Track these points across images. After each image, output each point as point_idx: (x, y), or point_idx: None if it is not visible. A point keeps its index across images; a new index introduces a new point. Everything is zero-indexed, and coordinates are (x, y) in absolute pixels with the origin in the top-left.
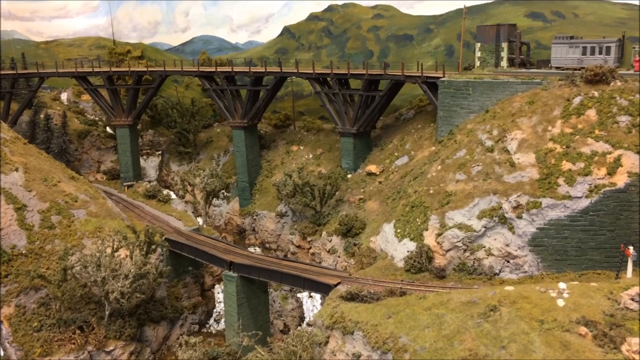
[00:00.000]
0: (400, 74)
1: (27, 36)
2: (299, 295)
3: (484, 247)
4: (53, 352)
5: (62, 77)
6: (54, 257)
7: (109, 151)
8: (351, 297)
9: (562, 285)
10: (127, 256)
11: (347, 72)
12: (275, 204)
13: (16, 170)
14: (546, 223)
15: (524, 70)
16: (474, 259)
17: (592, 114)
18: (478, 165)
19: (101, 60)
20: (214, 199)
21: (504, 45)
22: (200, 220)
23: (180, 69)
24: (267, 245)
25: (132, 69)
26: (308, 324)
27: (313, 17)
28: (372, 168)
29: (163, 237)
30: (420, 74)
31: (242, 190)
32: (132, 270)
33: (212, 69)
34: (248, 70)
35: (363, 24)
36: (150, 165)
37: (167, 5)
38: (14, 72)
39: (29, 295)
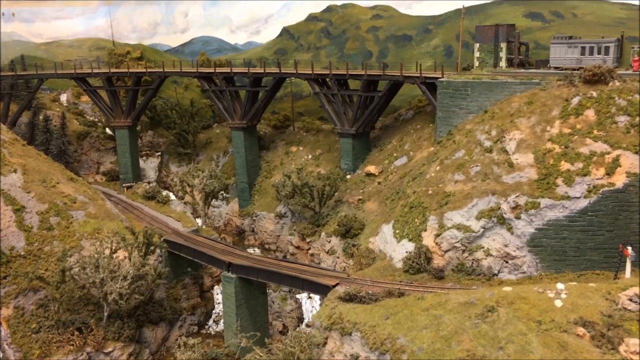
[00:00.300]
0: (399, 74)
1: (27, 37)
2: (298, 296)
3: (483, 247)
4: (52, 354)
5: (61, 79)
6: (52, 259)
7: (108, 152)
8: (349, 298)
9: (560, 285)
10: (125, 257)
11: (346, 73)
12: (274, 205)
13: (15, 171)
14: (545, 223)
15: (522, 70)
16: (473, 259)
17: (590, 114)
18: (477, 166)
19: (100, 61)
20: (213, 200)
21: (503, 45)
22: (199, 221)
23: (179, 70)
24: (267, 246)
25: (131, 70)
26: (307, 325)
27: (312, 18)
28: (371, 169)
29: (162, 238)
30: (419, 75)
31: (242, 191)
32: (130, 272)
33: (211, 70)
34: (247, 71)
35: (362, 24)
36: (149, 166)
37: (167, 6)
38: (13, 73)
39: (28, 297)
